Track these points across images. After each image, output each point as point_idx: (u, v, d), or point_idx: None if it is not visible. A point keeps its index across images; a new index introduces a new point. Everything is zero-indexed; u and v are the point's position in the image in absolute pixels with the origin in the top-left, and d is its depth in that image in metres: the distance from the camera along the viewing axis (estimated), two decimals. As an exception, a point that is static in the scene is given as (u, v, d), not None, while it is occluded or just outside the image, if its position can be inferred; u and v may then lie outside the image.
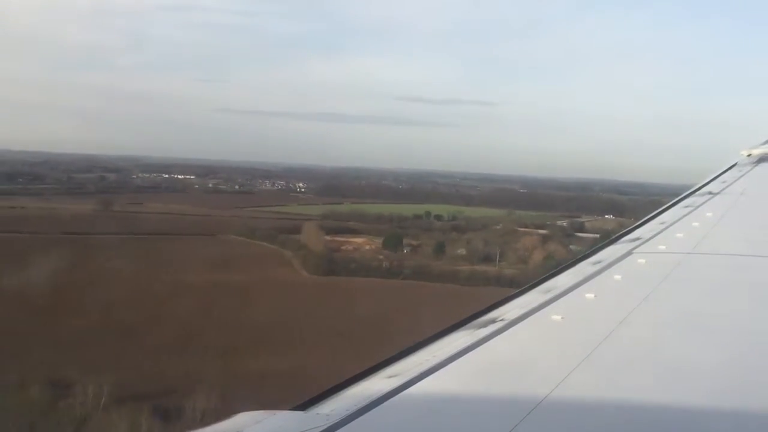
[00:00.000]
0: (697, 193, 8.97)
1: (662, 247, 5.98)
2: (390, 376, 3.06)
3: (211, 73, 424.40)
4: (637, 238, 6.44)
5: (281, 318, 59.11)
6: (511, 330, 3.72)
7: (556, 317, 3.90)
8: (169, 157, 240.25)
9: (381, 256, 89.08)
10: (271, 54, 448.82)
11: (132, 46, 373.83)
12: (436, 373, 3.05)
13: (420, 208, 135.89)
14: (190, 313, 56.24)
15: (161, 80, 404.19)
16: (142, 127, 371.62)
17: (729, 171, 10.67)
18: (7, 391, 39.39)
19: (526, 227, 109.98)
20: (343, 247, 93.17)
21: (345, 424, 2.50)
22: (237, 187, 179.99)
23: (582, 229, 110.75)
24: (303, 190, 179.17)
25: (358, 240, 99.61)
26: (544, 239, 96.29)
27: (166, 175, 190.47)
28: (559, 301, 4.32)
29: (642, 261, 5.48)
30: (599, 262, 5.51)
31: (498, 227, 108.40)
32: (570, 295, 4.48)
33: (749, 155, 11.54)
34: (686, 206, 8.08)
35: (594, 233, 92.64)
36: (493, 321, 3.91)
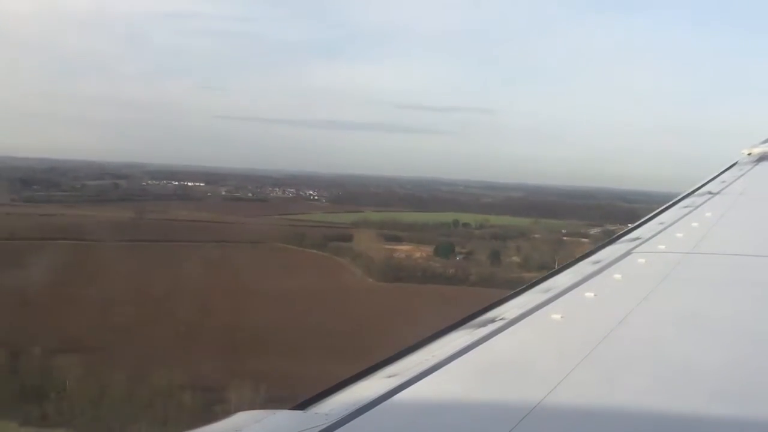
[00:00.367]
0: (697, 193, 8.97)
1: (662, 247, 5.99)
2: (389, 376, 3.06)
3: (210, 80, 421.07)
4: (637, 238, 6.47)
5: (372, 323, 59.96)
6: (510, 329, 3.72)
7: (556, 316, 3.90)
8: (169, 164, 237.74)
9: (436, 264, 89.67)
10: (271, 60, 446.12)
11: (131, 53, 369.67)
12: (436, 373, 3.03)
13: (443, 217, 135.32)
14: (289, 320, 57.06)
15: (161, 87, 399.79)
16: (142, 134, 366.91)
17: (729, 170, 10.60)
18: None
19: (565, 236, 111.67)
20: (395, 255, 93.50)
21: (344, 424, 2.51)
22: (250, 194, 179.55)
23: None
24: (315, 197, 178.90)
25: (405, 248, 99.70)
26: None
27: (176, 183, 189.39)
28: (558, 300, 4.33)
29: (642, 260, 5.50)
30: (599, 261, 5.55)
31: (537, 236, 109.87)
32: (570, 294, 4.49)
33: (749, 154, 11.49)
34: (686, 206, 8.09)
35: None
36: (493, 320, 3.91)
